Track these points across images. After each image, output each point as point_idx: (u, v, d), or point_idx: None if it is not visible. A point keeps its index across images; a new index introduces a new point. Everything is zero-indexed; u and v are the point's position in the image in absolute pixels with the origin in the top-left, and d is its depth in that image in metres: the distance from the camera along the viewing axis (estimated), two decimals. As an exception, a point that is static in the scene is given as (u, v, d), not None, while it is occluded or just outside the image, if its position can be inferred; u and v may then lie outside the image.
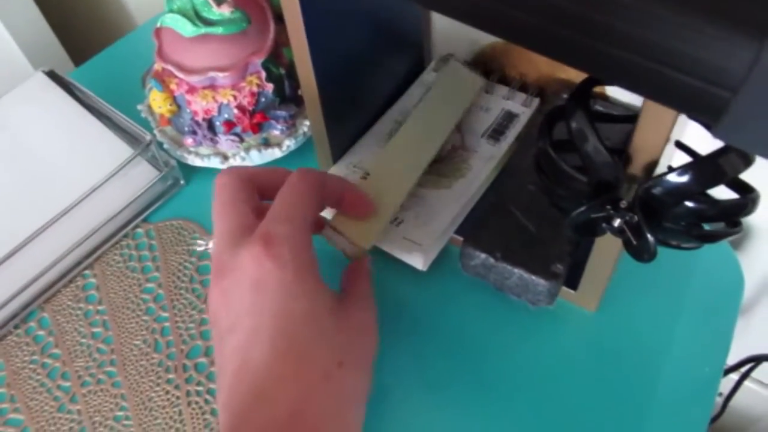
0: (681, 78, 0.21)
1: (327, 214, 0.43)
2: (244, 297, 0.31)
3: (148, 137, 0.48)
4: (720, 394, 0.66)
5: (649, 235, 0.30)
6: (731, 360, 0.58)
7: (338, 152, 0.48)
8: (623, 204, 0.30)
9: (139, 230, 0.49)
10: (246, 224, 0.33)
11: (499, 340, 0.42)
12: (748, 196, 0.30)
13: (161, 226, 0.49)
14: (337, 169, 0.48)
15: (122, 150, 0.50)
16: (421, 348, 0.42)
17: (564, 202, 0.34)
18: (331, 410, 0.30)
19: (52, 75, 0.54)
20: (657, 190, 0.30)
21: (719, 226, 0.32)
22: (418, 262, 0.43)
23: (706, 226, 0.32)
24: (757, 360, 0.49)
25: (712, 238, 0.32)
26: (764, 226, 0.49)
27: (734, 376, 0.59)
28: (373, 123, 0.51)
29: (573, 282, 0.42)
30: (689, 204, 0.30)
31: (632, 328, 0.43)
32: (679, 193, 0.29)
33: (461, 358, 0.42)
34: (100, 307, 0.45)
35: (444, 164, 0.48)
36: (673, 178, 0.29)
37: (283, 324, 0.30)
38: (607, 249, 0.37)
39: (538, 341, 0.42)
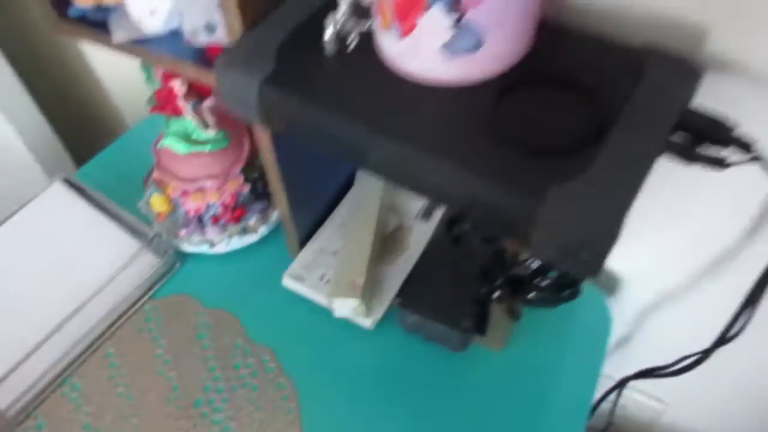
0: (497, 218, 0.35)
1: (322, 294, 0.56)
2: None
3: (153, 233, 0.61)
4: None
5: (516, 305, 0.44)
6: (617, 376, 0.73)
7: (304, 237, 0.62)
8: (499, 282, 0.45)
9: (147, 306, 0.62)
10: None
11: (430, 377, 0.56)
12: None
13: (164, 302, 0.62)
14: (305, 254, 0.62)
15: (129, 242, 0.63)
16: (366, 388, 0.56)
17: (464, 277, 0.48)
18: None
19: (68, 182, 0.66)
20: (520, 273, 0.44)
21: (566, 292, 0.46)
22: (368, 323, 0.57)
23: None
24: (634, 377, 0.63)
25: (560, 301, 0.46)
26: (631, 277, 0.64)
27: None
28: (332, 210, 0.65)
29: (483, 329, 0.56)
30: (543, 282, 0.45)
31: (527, 361, 0.57)
32: (534, 275, 0.44)
33: (399, 391, 0.55)
34: (120, 371, 0.57)
35: (389, 242, 0.62)
36: (528, 266, 0.43)
37: None
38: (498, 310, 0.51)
39: (458, 375, 0.56)
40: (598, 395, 0.69)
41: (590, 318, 0.60)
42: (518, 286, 0.45)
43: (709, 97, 0.40)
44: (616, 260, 0.63)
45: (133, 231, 0.63)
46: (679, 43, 0.42)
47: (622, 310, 0.66)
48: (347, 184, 0.66)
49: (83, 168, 0.75)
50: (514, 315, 0.45)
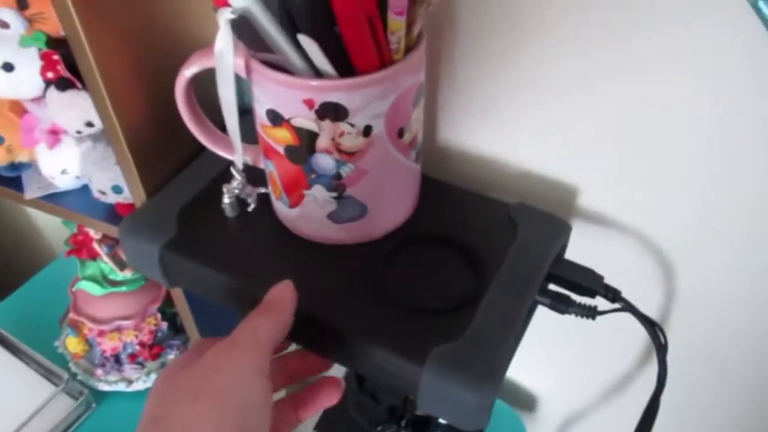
0: (388, 378, 0.37)
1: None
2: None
3: (66, 377, 0.60)
4: None
5: (419, 445, 0.45)
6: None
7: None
8: (403, 423, 0.46)
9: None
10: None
11: None
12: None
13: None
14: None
15: (42, 385, 0.61)
16: None
17: (371, 417, 0.49)
18: None
19: (-21, 325, 0.65)
20: (422, 414, 0.46)
21: None
22: (286, 458, 0.57)
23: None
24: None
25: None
26: (547, 397, 0.66)
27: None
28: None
29: (400, 462, 0.56)
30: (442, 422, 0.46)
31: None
32: (431, 416, 0.46)
33: None
34: None
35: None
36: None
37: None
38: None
39: None
40: None
41: (507, 441, 0.61)
42: (423, 426, 0.46)
43: (579, 250, 0.43)
44: (528, 378, 0.65)
45: (48, 373, 0.62)
46: (553, 199, 0.47)
47: (542, 427, 0.68)
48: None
49: (2, 304, 0.74)
50: (420, 457, 0.46)
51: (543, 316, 0.54)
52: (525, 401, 0.67)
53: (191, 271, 0.41)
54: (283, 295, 0.35)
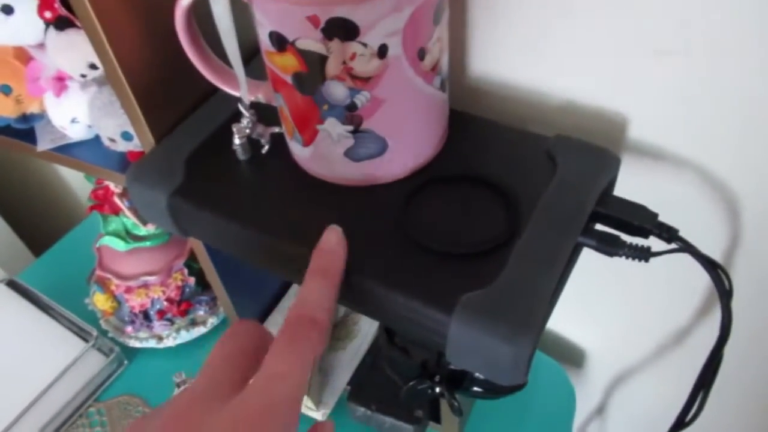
0: (414, 329, 0.33)
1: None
2: None
3: (95, 333, 0.59)
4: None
5: (453, 400, 0.42)
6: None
7: (252, 326, 0.60)
8: (437, 378, 0.43)
9: (92, 409, 0.59)
10: (234, 382, 0.28)
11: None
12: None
13: (110, 404, 0.60)
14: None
15: (73, 341, 0.61)
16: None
17: (403, 372, 0.46)
18: None
19: (11, 284, 0.65)
20: (456, 368, 0.43)
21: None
22: (319, 415, 0.55)
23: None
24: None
25: (506, 393, 0.44)
26: (597, 353, 0.62)
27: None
28: (280, 297, 0.63)
29: (437, 417, 0.54)
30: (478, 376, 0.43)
31: (488, 448, 0.54)
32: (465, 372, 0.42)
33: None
34: (61, 485, 0.55)
35: (339, 329, 0.61)
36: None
37: None
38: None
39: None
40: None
41: (553, 396, 0.58)
42: (458, 380, 0.43)
43: (630, 189, 0.39)
44: (578, 335, 0.61)
45: (79, 330, 0.61)
46: (598, 132, 0.42)
47: (591, 384, 0.64)
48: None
49: (34, 264, 0.74)
50: (455, 411, 0.43)
51: (590, 260, 0.49)
52: (572, 357, 0.63)
53: (202, 218, 0.38)
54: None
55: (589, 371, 0.63)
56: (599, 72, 0.40)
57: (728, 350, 0.39)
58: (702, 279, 0.37)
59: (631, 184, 0.40)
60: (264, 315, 0.62)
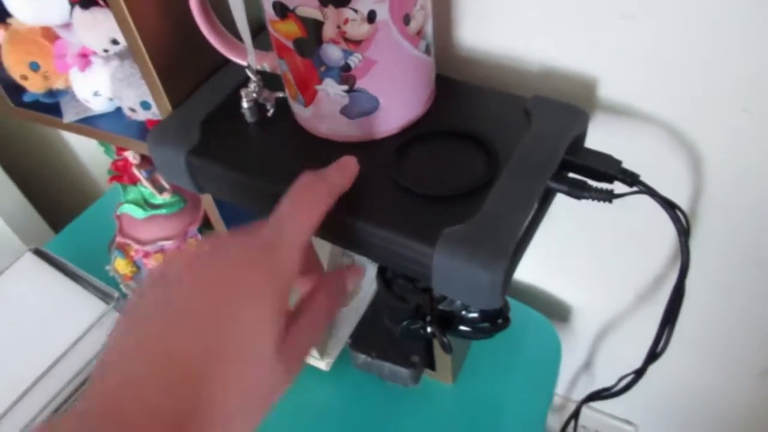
0: (404, 263, 0.38)
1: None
2: (214, 288, 0.28)
3: (116, 294, 0.64)
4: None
5: (443, 338, 0.47)
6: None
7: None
8: (428, 318, 0.48)
9: (115, 365, 0.64)
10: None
11: (384, 413, 0.58)
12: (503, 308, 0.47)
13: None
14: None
15: (96, 304, 0.66)
16: (323, 426, 0.58)
17: (398, 317, 0.51)
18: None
19: (38, 252, 0.70)
20: (447, 308, 0.47)
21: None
22: (323, 365, 0.60)
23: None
24: (586, 400, 0.65)
25: (491, 332, 0.49)
26: (582, 305, 0.66)
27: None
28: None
29: (432, 364, 0.58)
30: (470, 315, 0.47)
31: (480, 392, 0.59)
32: (461, 308, 0.47)
33: (357, 430, 0.57)
34: None
35: (340, 286, 0.65)
36: (453, 300, 0.46)
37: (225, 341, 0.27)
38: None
39: (414, 410, 0.58)
40: (563, 421, 0.71)
41: (540, 346, 0.62)
42: (448, 321, 0.48)
43: (604, 146, 0.43)
44: (564, 291, 0.66)
45: (101, 294, 0.66)
46: (573, 93, 0.46)
47: (578, 336, 0.69)
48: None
49: (57, 237, 0.79)
50: (445, 348, 0.48)
51: (573, 220, 0.54)
52: (559, 312, 0.67)
53: (215, 174, 0.43)
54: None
55: (575, 325, 0.67)
56: (571, 37, 0.44)
57: (703, 304, 0.43)
58: (671, 228, 0.41)
59: (604, 139, 0.45)
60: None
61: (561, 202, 0.42)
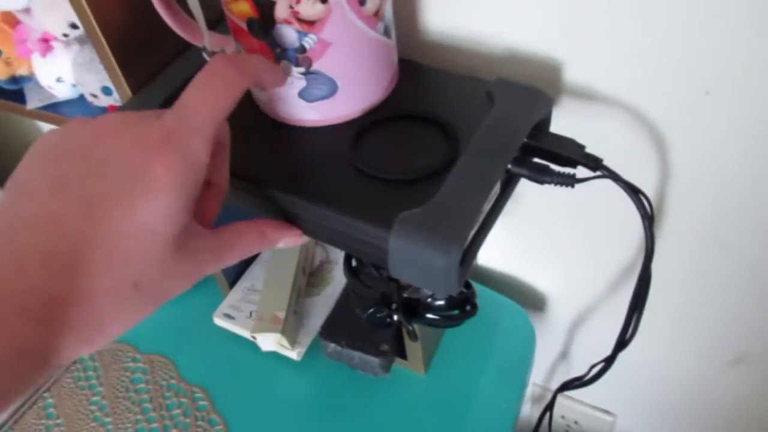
0: (361, 248, 0.37)
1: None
2: (113, 163, 0.27)
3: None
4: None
5: (409, 326, 0.46)
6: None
7: (233, 276, 0.65)
8: (394, 306, 0.47)
9: (86, 356, 0.64)
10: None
11: (356, 403, 0.58)
12: (468, 291, 0.47)
13: (101, 351, 0.64)
14: (234, 292, 0.64)
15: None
16: (296, 418, 0.57)
17: (365, 305, 0.50)
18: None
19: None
20: (413, 296, 0.47)
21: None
22: (294, 354, 0.59)
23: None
24: (559, 389, 0.64)
25: (459, 320, 0.48)
26: (557, 294, 0.66)
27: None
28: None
29: (403, 353, 0.58)
30: (436, 302, 0.47)
31: (452, 382, 0.59)
32: (427, 295, 0.46)
33: (326, 421, 0.57)
34: (57, 421, 0.59)
35: (315, 276, 0.65)
36: (414, 292, 0.46)
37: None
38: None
39: (385, 400, 0.58)
40: (540, 410, 0.71)
41: (513, 335, 0.62)
42: (414, 308, 0.47)
43: (571, 131, 0.42)
44: (535, 278, 0.65)
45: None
46: (538, 78, 0.46)
47: (554, 325, 0.68)
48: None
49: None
50: (411, 336, 0.47)
51: (545, 210, 0.54)
52: (534, 301, 0.67)
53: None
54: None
55: (551, 313, 0.67)
56: (534, 20, 0.44)
57: (671, 286, 0.43)
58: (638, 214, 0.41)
59: (571, 124, 0.44)
60: (244, 266, 0.66)
61: (531, 188, 0.42)
